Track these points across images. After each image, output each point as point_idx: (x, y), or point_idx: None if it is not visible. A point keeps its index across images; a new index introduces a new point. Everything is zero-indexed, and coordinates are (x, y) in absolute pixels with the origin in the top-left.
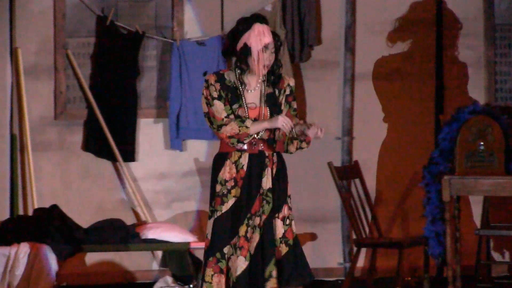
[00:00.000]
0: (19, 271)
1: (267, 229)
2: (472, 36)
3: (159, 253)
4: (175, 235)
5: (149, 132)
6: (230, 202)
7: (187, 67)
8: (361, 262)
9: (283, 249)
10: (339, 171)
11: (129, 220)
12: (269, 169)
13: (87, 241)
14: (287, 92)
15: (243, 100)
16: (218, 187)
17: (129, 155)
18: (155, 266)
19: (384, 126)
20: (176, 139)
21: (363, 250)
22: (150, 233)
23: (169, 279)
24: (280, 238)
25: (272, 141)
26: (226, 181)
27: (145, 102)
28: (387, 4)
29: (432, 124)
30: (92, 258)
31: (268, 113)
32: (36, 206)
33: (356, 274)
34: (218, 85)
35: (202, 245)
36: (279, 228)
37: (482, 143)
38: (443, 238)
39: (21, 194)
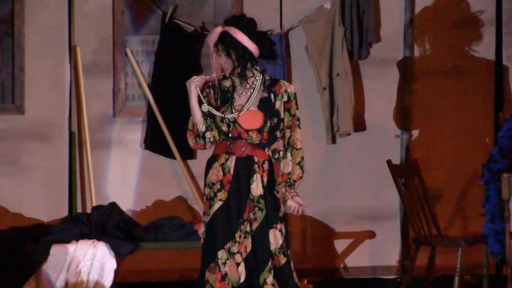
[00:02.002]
0: (78, 269)
1: (260, 236)
2: None
3: None
4: None
5: None
6: (216, 205)
7: None
8: (419, 260)
9: (282, 259)
10: (397, 169)
11: (188, 217)
12: (259, 175)
13: (146, 238)
14: (285, 98)
15: (231, 103)
16: (207, 190)
17: (188, 152)
18: None
19: (443, 124)
20: None
21: (422, 248)
22: None
23: None
24: (278, 248)
25: (263, 146)
26: (213, 183)
27: None
28: (446, 1)
29: (491, 121)
30: (150, 255)
31: (262, 118)
32: (94, 204)
33: (414, 272)
34: (209, 91)
35: None
36: (277, 239)
37: None
38: (502, 236)
39: (79, 192)
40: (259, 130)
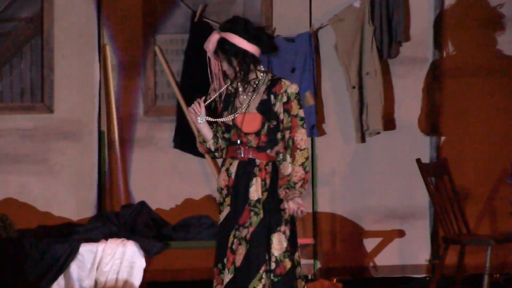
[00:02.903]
0: (107, 267)
1: (256, 242)
2: None
3: None
4: None
5: None
6: (226, 211)
7: (275, 64)
8: (449, 259)
9: (287, 264)
10: (427, 168)
11: (217, 216)
12: (259, 179)
13: (175, 237)
14: (284, 99)
15: (232, 106)
16: (218, 195)
17: None
18: None
19: (472, 123)
20: None
21: (451, 247)
22: None
23: None
24: (283, 252)
25: (263, 149)
26: (221, 189)
27: None
28: (475, 0)
29: None
30: (179, 254)
31: (260, 120)
32: (123, 203)
33: (444, 271)
34: (212, 95)
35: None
36: (282, 243)
37: None
38: None
39: (108, 191)
40: (257, 133)
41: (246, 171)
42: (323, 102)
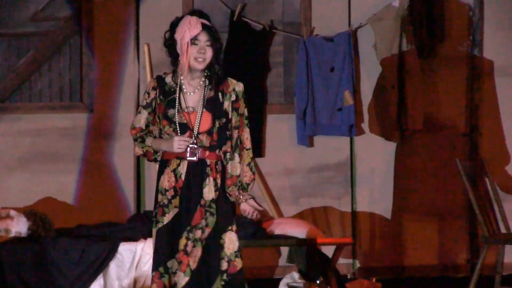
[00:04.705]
0: (146, 267)
1: (213, 243)
2: None
3: (286, 249)
4: (302, 231)
5: (276, 128)
6: (172, 213)
7: (314, 63)
8: (488, 258)
9: (238, 263)
10: (466, 167)
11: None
12: (211, 178)
13: None
14: (233, 97)
15: (181, 104)
16: (159, 197)
17: (256, 151)
18: (281, 262)
19: (511, 122)
20: (303, 135)
21: (491, 247)
22: (277, 229)
23: (296, 275)
24: (235, 252)
25: (214, 148)
26: (166, 190)
27: (272, 97)
28: None
29: None
30: None
31: (210, 118)
32: None
33: (483, 271)
34: (154, 93)
35: (329, 241)
36: (234, 242)
37: None
38: None
39: (147, 190)
40: (209, 132)
41: (198, 171)
42: (362, 102)
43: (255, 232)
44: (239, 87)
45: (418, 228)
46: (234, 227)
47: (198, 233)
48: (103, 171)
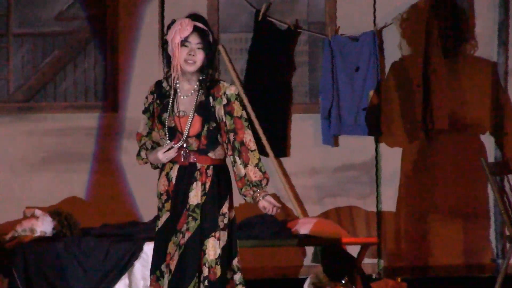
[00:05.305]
0: None
1: (191, 248)
2: None
3: (311, 249)
4: (327, 231)
5: (301, 128)
6: (164, 216)
7: (339, 63)
8: None
9: (217, 271)
10: (491, 167)
11: (281, 215)
12: (199, 183)
13: (238, 236)
14: (224, 101)
15: (173, 108)
16: (158, 201)
17: (281, 150)
18: (306, 261)
19: None
20: (328, 134)
21: None
22: (302, 229)
23: (321, 275)
24: (216, 259)
25: (204, 152)
26: (161, 194)
27: (296, 97)
28: None
29: None
30: (243, 253)
31: (200, 122)
32: None
33: (509, 271)
34: (151, 97)
35: (354, 240)
36: (215, 248)
37: None
38: None
39: None
40: (197, 136)
41: (187, 175)
42: (387, 101)
43: (280, 231)
44: (231, 90)
45: (443, 228)
46: (217, 234)
47: (180, 237)
48: (128, 171)
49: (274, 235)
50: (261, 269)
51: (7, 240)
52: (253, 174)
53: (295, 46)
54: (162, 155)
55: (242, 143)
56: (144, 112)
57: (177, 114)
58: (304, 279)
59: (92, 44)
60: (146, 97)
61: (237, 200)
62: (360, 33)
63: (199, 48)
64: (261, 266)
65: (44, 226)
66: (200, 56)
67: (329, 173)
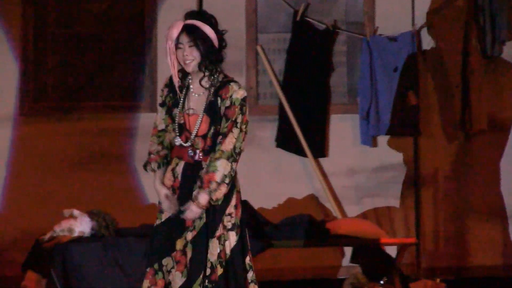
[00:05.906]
0: None
1: (198, 246)
2: None
3: (349, 249)
4: (366, 231)
5: (340, 128)
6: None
7: (377, 63)
8: None
9: (218, 271)
10: None
11: (319, 215)
12: None
13: (277, 236)
14: (227, 104)
15: (183, 105)
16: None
17: (320, 151)
18: (345, 262)
19: None
20: (366, 135)
21: None
22: (341, 229)
23: (360, 275)
24: (217, 258)
25: (207, 152)
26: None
27: (335, 97)
28: None
29: None
30: (281, 253)
31: (208, 123)
32: None
33: None
34: (166, 90)
35: (393, 241)
36: (215, 249)
37: None
38: None
39: None
40: (204, 136)
41: (193, 173)
42: (426, 102)
43: (318, 232)
44: (237, 94)
45: (482, 228)
46: (218, 233)
47: (189, 235)
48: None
49: (313, 235)
50: (300, 269)
51: (46, 240)
52: (207, 172)
53: (334, 46)
54: (165, 204)
55: (223, 146)
56: (161, 105)
57: (186, 112)
58: (343, 280)
59: (130, 44)
60: (162, 90)
61: (274, 201)
62: (399, 33)
63: (190, 46)
64: (300, 267)
65: (82, 226)
66: (194, 54)
67: (368, 173)
